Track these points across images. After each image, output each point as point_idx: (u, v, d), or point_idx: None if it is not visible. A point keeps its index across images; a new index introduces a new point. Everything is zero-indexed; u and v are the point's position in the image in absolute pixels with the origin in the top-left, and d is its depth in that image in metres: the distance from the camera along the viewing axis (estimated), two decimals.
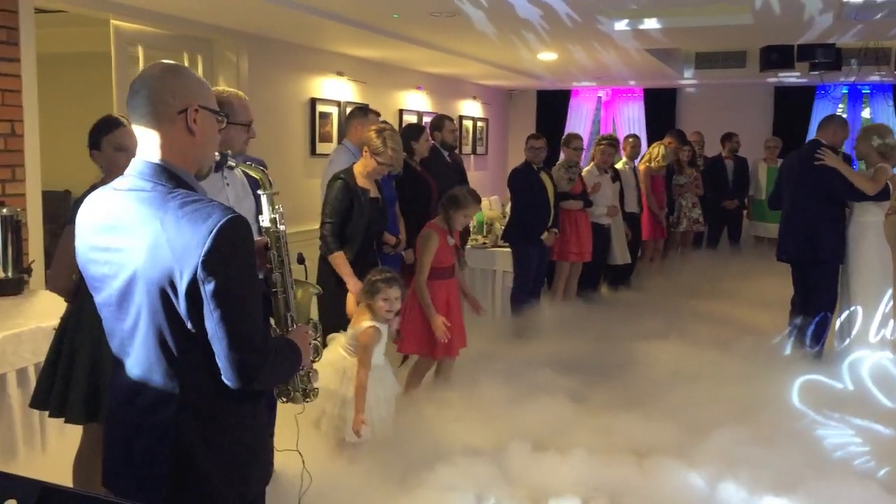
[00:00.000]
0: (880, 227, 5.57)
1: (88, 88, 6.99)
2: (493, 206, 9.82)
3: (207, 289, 1.79)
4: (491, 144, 12.64)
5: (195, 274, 1.79)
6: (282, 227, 2.25)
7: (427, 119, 10.11)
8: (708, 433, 4.24)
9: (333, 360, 3.87)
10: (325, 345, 3.11)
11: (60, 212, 4.92)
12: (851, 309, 5.42)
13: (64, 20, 6.21)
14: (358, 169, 4.59)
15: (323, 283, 4.44)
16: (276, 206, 2.26)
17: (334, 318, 4.36)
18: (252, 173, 2.35)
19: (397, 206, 5.77)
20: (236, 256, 1.82)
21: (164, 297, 1.84)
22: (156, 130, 1.92)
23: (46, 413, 3.30)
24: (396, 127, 7.79)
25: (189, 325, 1.85)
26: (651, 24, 6.87)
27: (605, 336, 6.24)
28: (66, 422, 3.14)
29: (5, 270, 4.55)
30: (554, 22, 6.54)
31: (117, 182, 1.97)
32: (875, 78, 10.82)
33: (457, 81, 11.31)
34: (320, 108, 8.07)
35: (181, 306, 1.83)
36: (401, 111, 9.70)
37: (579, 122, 12.89)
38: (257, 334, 1.88)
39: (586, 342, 6.02)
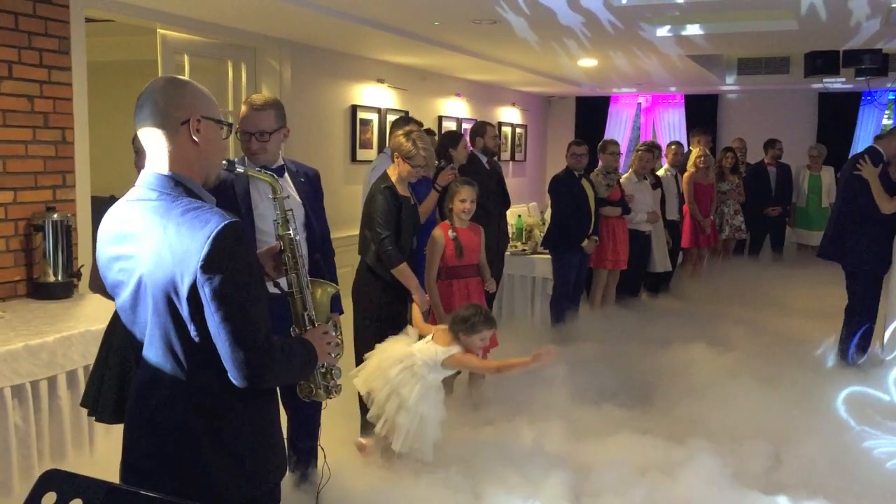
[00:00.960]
0: None
1: (135, 96, 7.14)
2: (532, 213, 9.80)
3: (207, 292, 1.86)
4: (529, 151, 12.63)
5: (195, 278, 1.86)
6: (293, 231, 2.33)
7: (466, 126, 10.15)
8: (752, 446, 4.19)
9: (401, 356, 3.96)
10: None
11: None
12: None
13: (112, 29, 6.35)
14: (393, 176, 4.58)
15: (365, 294, 4.48)
16: (288, 210, 2.34)
17: (373, 331, 4.38)
18: (262, 178, 2.42)
19: (437, 212, 5.80)
20: (234, 259, 1.88)
21: (169, 301, 1.92)
22: (161, 141, 2.00)
23: None
24: (436, 134, 7.84)
25: (192, 328, 1.92)
26: (693, 29, 6.83)
27: (645, 343, 6.18)
28: (96, 420, 3.21)
29: (56, 274, 4.67)
30: (595, 29, 6.53)
31: (129, 193, 2.06)
32: None
33: (496, 88, 11.33)
34: (361, 114, 8.13)
35: (184, 310, 1.91)
36: (440, 118, 9.74)
37: (619, 128, 12.83)
38: (259, 334, 1.93)
39: (625, 350, 5.96)
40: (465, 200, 4.79)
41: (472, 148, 6.43)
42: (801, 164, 10.24)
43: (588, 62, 8.69)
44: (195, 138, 2.01)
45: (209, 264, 1.85)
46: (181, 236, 1.88)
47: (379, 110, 8.40)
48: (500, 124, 11.40)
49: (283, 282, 2.39)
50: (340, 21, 6.13)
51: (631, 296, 7.62)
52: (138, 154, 3.21)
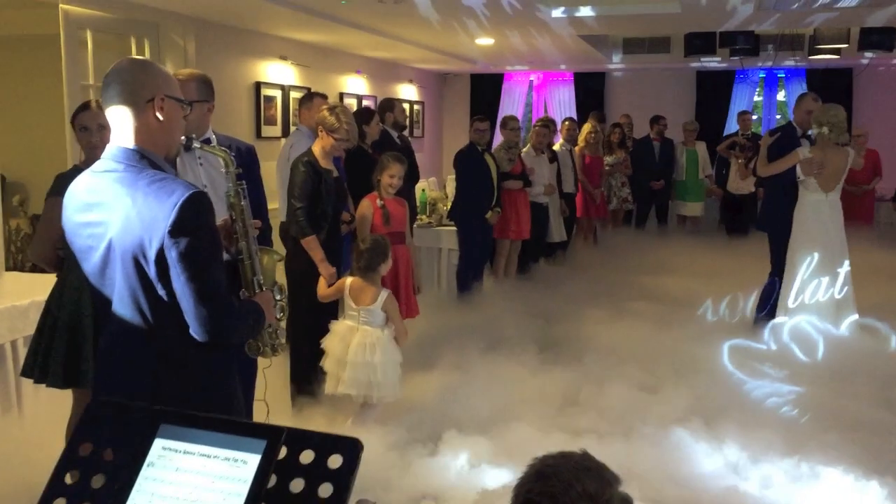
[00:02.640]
0: (816, 204, 5.96)
1: (35, 71, 6.99)
2: (432, 187, 10.09)
3: (173, 254, 2.07)
4: (427, 127, 12.89)
5: (163, 242, 2.07)
6: (244, 202, 2.54)
7: (366, 102, 10.31)
8: (655, 392, 4.64)
9: (342, 332, 4.25)
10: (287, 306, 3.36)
11: None
12: (809, 270, 5.87)
13: (11, 2, 6.19)
14: (317, 150, 4.77)
15: (292, 264, 4.65)
16: (240, 183, 2.55)
17: (304, 298, 4.57)
18: (216, 153, 2.61)
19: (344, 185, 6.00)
20: (198, 225, 2.10)
21: (137, 264, 2.12)
22: (128, 118, 2.19)
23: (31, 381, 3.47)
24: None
25: (159, 288, 2.12)
26: (586, 11, 7.22)
27: (545, 309, 6.59)
28: (47, 386, 3.31)
29: None
30: (495, 9, 6.83)
31: (96, 165, 2.23)
32: (790, 63, 11.46)
33: (394, 65, 11.52)
34: (265, 91, 8.19)
35: (151, 271, 2.10)
36: (341, 94, 9.87)
37: (512, 104, 13.24)
38: (220, 292, 2.15)
39: (530, 316, 6.35)
40: (394, 176, 5.06)
41: (383, 124, 6.64)
42: (678, 140, 10.91)
43: (485, 41, 9.00)
44: (159, 115, 2.19)
45: (176, 229, 2.05)
46: (149, 204, 2.08)
47: (282, 87, 8.47)
48: (399, 101, 11.58)
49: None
50: None
51: (531, 265, 8.04)
52: (86, 130, 3.30)
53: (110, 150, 2.20)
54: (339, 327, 4.30)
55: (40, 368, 3.29)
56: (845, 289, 5.86)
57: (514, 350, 5.31)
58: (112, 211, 2.13)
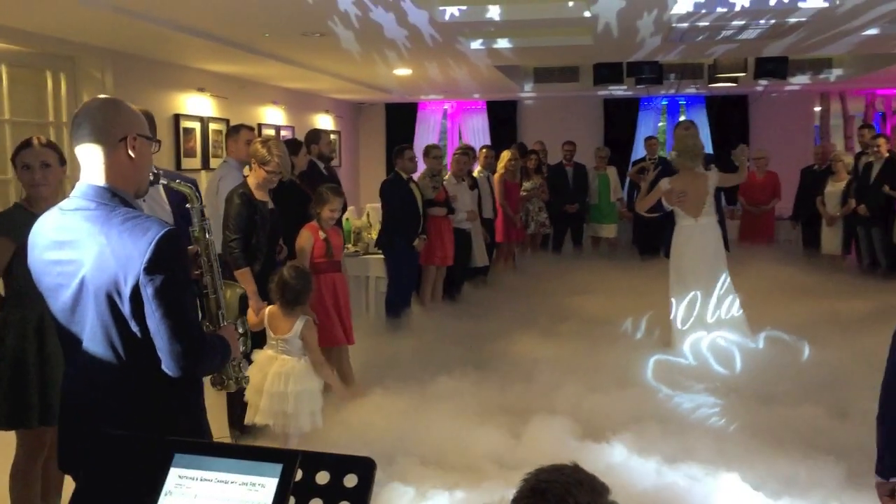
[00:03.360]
0: (687, 230, 6.25)
1: None
2: (352, 216, 10.13)
3: (149, 291, 2.10)
4: (343, 157, 12.94)
5: (138, 279, 2.09)
6: (209, 237, 2.57)
7: (284, 133, 10.32)
8: (581, 406, 4.81)
9: (262, 361, 4.25)
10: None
11: None
12: (691, 295, 6.15)
13: None
14: (251, 182, 4.81)
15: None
16: (205, 218, 2.58)
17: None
18: (182, 189, 2.64)
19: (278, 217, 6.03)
20: (173, 262, 2.14)
21: (111, 301, 2.14)
22: (99, 156, 2.21)
23: None
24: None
25: (133, 325, 2.15)
26: (503, 43, 7.47)
27: (475, 333, 6.73)
28: None
29: None
30: (417, 41, 6.99)
31: (64, 203, 2.25)
32: (691, 90, 12.05)
33: (310, 96, 11.56)
34: (184, 123, 8.12)
35: (126, 308, 2.13)
36: (259, 125, 9.84)
37: (427, 133, 13.44)
38: (194, 328, 2.20)
39: (462, 339, 6.48)
40: (335, 210, 5.16)
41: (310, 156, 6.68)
42: (591, 165, 11.30)
43: (403, 71, 9.16)
44: (132, 154, 2.22)
45: (152, 266, 2.08)
46: (124, 242, 2.10)
47: (201, 119, 8.41)
48: (326, 132, 11.63)
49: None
50: (163, 30, 6.17)
51: (455, 290, 8.18)
52: (28, 168, 3.25)
53: (80, 189, 2.21)
54: (260, 357, 4.32)
55: None
56: (732, 310, 6.15)
57: (452, 373, 5.41)
58: (84, 249, 2.14)
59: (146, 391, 2.20)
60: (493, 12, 6.13)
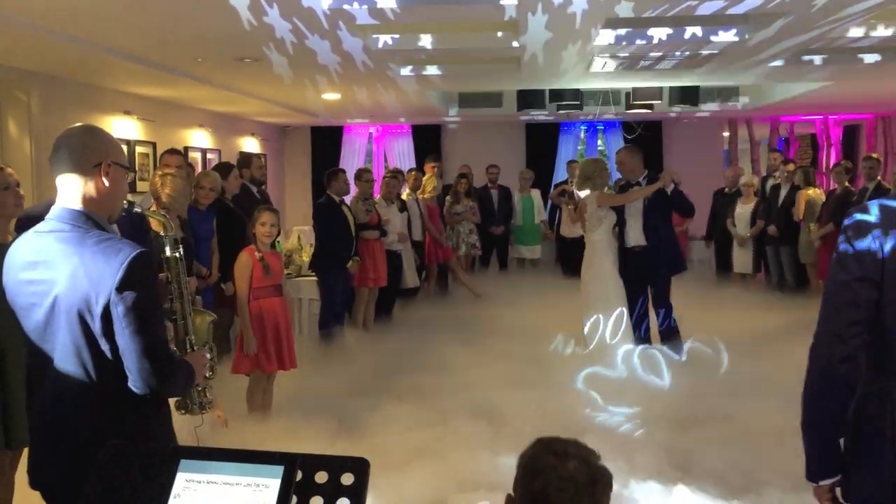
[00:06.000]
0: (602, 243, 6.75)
1: None
2: (280, 239, 10.14)
3: (120, 310, 2.17)
4: (270, 179, 12.89)
5: (109, 298, 2.17)
6: (181, 265, 2.65)
7: (210, 156, 10.29)
8: (510, 423, 4.99)
9: None
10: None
11: None
12: (618, 311, 6.47)
13: None
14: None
15: None
16: (178, 247, 2.66)
17: None
18: (155, 217, 2.72)
19: (214, 241, 6.05)
20: (144, 283, 2.22)
21: (82, 319, 2.21)
22: (75, 181, 2.29)
23: None
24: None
25: (103, 343, 2.21)
26: (432, 70, 7.68)
27: (412, 350, 6.87)
28: None
29: None
30: (349, 68, 7.13)
31: (39, 226, 2.31)
32: (609, 116, 12.52)
33: (236, 119, 11.54)
34: None
35: (96, 327, 2.20)
36: (186, 149, 9.77)
37: (353, 156, 13.54)
38: (162, 348, 2.28)
39: (399, 359, 6.61)
40: (265, 224, 5.12)
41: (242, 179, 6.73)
42: (515, 188, 11.61)
43: (332, 96, 9.27)
44: (105, 181, 2.30)
45: (122, 286, 2.16)
46: (96, 262, 2.18)
47: (128, 142, 8.32)
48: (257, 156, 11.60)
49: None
50: (90, 53, 6.15)
51: (387, 311, 8.30)
52: (7, 189, 3.29)
53: (55, 212, 2.28)
54: None
55: None
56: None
57: (392, 393, 5.52)
58: (57, 269, 2.20)
59: (114, 409, 2.26)
60: (426, 41, 6.33)
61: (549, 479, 1.66)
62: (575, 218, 10.85)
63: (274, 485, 1.44)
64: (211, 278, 6.00)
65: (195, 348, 2.63)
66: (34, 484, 2.34)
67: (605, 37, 6.22)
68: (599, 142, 14.03)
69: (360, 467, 1.47)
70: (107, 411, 2.25)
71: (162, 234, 2.63)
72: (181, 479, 1.46)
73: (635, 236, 6.66)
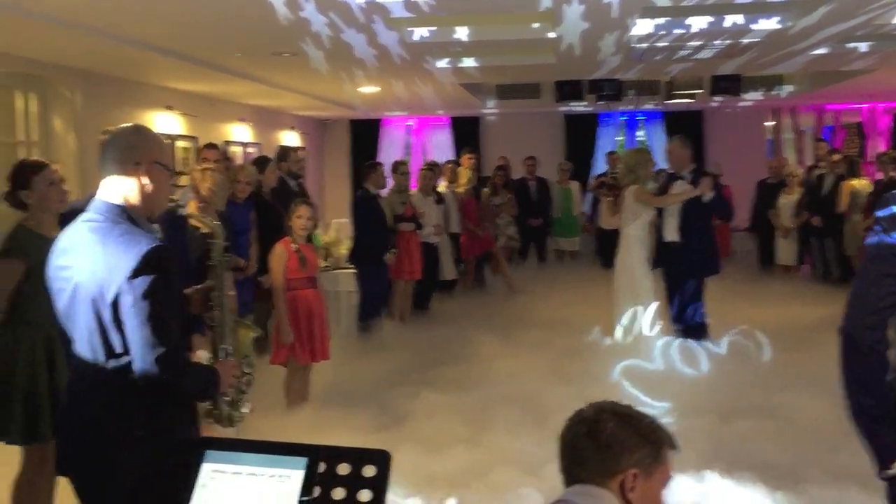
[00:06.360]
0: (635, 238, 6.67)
1: None
2: (319, 232, 10.21)
3: (129, 299, 2.20)
4: (309, 172, 13.00)
5: (121, 288, 2.21)
6: (226, 274, 2.69)
7: (251, 149, 10.40)
8: (547, 412, 4.97)
9: None
10: None
11: None
12: (652, 305, 6.43)
13: None
14: (191, 207, 4.81)
15: None
16: (226, 255, 2.70)
17: None
18: (206, 224, 2.75)
19: (252, 233, 6.12)
20: (155, 275, 2.22)
21: (96, 307, 2.25)
22: (116, 177, 2.35)
23: None
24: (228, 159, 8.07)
25: (112, 333, 2.25)
26: (469, 62, 7.67)
27: (450, 341, 6.89)
28: (7, 443, 3.28)
29: None
30: (385, 61, 7.15)
31: (82, 216, 2.37)
32: (649, 106, 12.38)
33: (276, 113, 11.66)
34: None
35: (106, 316, 2.24)
36: (227, 143, 9.91)
37: (391, 148, 13.58)
38: (169, 341, 2.24)
39: (437, 351, 6.64)
40: (301, 217, 5.19)
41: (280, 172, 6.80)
42: (554, 180, 11.56)
43: (370, 89, 9.31)
44: (145, 180, 2.34)
45: (134, 276, 2.20)
46: (116, 252, 2.23)
47: (170, 137, 8.45)
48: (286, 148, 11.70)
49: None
50: (133, 49, 6.24)
51: (425, 302, 8.32)
52: (53, 184, 3.43)
53: (94, 204, 2.34)
54: None
55: None
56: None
57: (429, 383, 5.55)
58: (82, 256, 2.27)
59: (118, 402, 2.27)
60: (461, 33, 6.32)
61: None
62: (614, 210, 10.84)
63: (297, 476, 1.46)
64: (248, 269, 6.05)
65: (229, 358, 2.65)
66: (59, 469, 2.41)
67: (643, 26, 6.14)
68: (640, 133, 13.88)
69: (381, 459, 1.48)
70: (110, 404, 2.27)
71: (210, 241, 2.65)
72: (207, 469, 1.48)
73: (671, 232, 6.57)
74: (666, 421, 4.85)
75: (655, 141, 13.03)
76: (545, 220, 11.17)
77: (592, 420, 1.80)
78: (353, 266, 7.39)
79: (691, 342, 6.24)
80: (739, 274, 9.56)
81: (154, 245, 2.24)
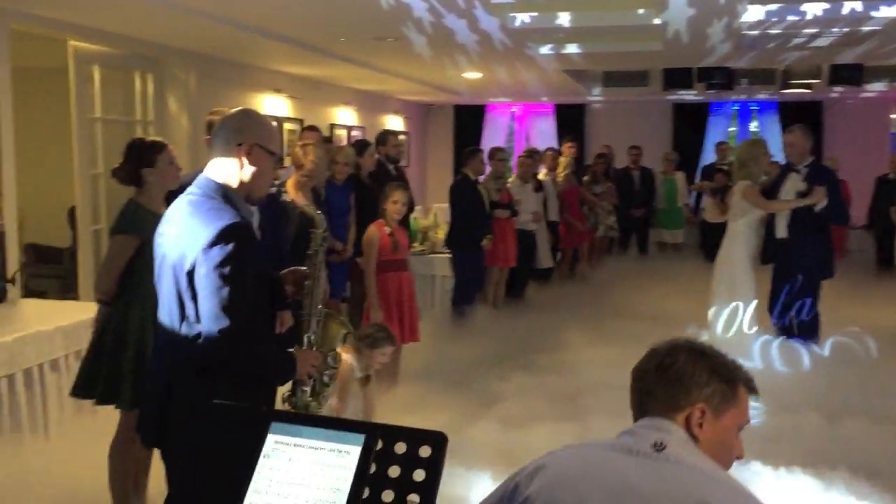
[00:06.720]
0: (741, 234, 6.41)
1: (40, 102, 7.18)
2: (419, 216, 10.32)
3: (202, 270, 2.27)
4: (412, 156, 13.16)
5: (197, 257, 2.28)
6: (322, 272, 2.73)
7: (355, 133, 10.59)
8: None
9: None
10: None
11: None
12: (752, 302, 6.21)
13: (22, 35, 6.39)
14: (289, 184, 4.89)
15: None
16: (322, 245, 2.73)
17: None
18: (310, 213, 2.80)
19: (351, 216, 6.24)
20: (230, 249, 2.26)
21: (175, 274, 2.34)
22: (220, 157, 2.43)
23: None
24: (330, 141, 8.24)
25: (187, 303, 2.32)
26: (572, 48, 7.57)
27: (535, 334, 6.85)
28: (116, 407, 3.48)
29: None
30: (487, 46, 7.14)
31: (187, 190, 2.47)
32: (763, 96, 11.91)
33: (381, 97, 11.82)
34: None
35: (183, 282, 2.32)
36: (332, 126, 10.13)
37: (495, 135, 13.57)
38: (235, 316, 2.26)
39: (530, 338, 6.63)
40: (397, 202, 5.28)
41: (378, 156, 6.90)
42: (659, 170, 11.29)
43: (473, 74, 9.32)
44: (246, 160, 2.40)
45: (209, 248, 2.27)
46: (199, 225, 2.31)
47: (277, 119, 8.71)
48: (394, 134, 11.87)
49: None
50: (244, 34, 6.45)
51: (520, 290, 8.30)
52: (172, 164, 3.63)
53: (198, 179, 2.44)
54: None
55: (107, 391, 3.45)
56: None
57: (520, 368, 5.57)
58: (173, 226, 2.38)
59: (186, 371, 2.34)
60: (563, 19, 6.24)
61: None
62: (721, 208, 10.48)
63: (355, 451, 1.50)
64: (345, 253, 6.16)
65: (314, 349, 2.70)
66: (141, 437, 2.53)
67: (754, 13, 5.91)
68: (753, 124, 13.37)
69: (438, 441, 1.50)
70: (180, 373, 2.35)
71: (314, 229, 2.71)
72: (271, 440, 1.53)
73: (783, 229, 6.30)
74: (766, 418, 4.79)
75: (770, 132, 12.53)
76: (648, 210, 10.94)
77: (665, 354, 1.78)
78: (449, 251, 7.44)
79: (794, 341, 6.00)
80: (855, 273, 9.10)
81: (233, 221, 2.30)
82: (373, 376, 4.46)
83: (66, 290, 7.13)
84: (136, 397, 3.32)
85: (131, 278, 3.47)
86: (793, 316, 6.26)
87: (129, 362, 3.39)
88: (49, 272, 7.69)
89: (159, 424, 2.38)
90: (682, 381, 1.73)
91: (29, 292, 6.36)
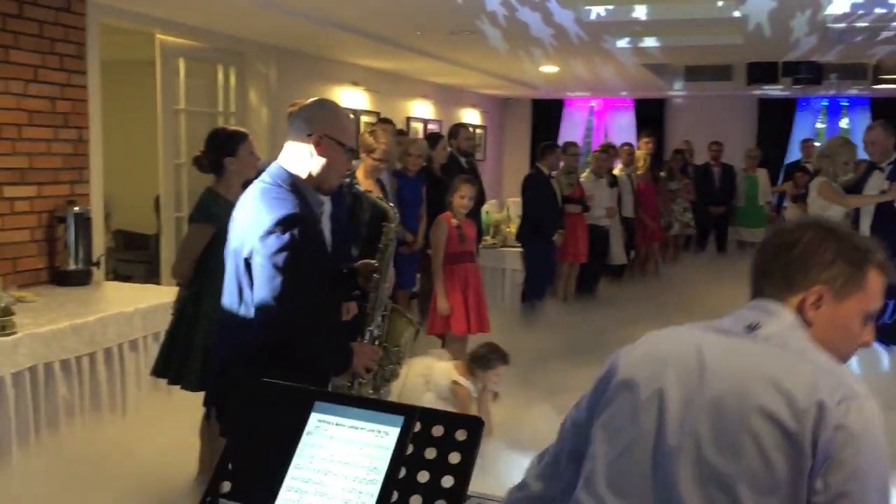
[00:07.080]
0: None
1: (126, 93, 7.47)
2: (493, 209, 10.34)
3: (258, 258, 2.33)
4: (488, 151, 13.18)
5: (254, 244, 2.33)
6: (390, 261, 2.74)
7: (432, 126, 10.67)
8: None
9: (420, 369, 4.50)
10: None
11: None
12: None
13: (111, 29, 6.67)
14: (359, 172, 4.90)
15: None
16: (393, 240, 2.77)
17: None
18: (382, 206, 2.86)
19: (422, 208, 6.30)
20: (286, 238, 2.30)
21: (237, 259, 2.41)
22: (293, 145, 2.48)
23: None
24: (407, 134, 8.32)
25: (245, 288, 2.39)
26: (650, 42, 7.46)
27: (606, 326, 6.78)
28: (182, 388, 3.62)
29: (76, 263, 5.03)
30: (563, 40, 7.10)
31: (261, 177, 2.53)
32: (853, 91, 11.47)
33: (458, 91, 11.87)
34: None
35: (241, 267, 2.38)
36: (408, 119, 10.23)
37: (572, 130, 13.46)
38: (287, 302, 2.31)
39: (589, 334, 6.58)
40: (464, 196, 5.32)
41: (450, 149, 6.95)
42: (740, 166, 11.00)
43: (549, 68, 9.27)
44: (315, 150, 2.45)
45: (265, 237, 2.32)
46: (261, 212, 2.36)
47: (354, 111, 8.85)
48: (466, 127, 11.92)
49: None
50: (323, 27, 6.58)
51: (591, 286, 8.24)
52: (252, 154, 3.72)
53: (272, 166, 2.51)
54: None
55: (176, 372, 3.59)
56: None
57: (584, 363, 5.51)
58: (242, 211, 2.45)
59: (241, 355, 2.42)
60: (640, 12, 6.16)
61: None
62: (802, 208, 10.16)
63: (394, 433, 1.54)
64: (415, 245, 6.21)
65: (375, 343, 2.72)
66: (206, 416, 2.64)
67: (839, 5, 5.72)
68: (843, 120, 12.90)
69: (474, 426, 1.53)
70: (234, 356, 2.43)
71: (386, 223, 2.75)
72: (314, 418, 1.59)
73: (865, 228, 6.08)
74: None
75: (861, 130, 12.04)
76: (728, 208, 10.68)
77: (790, 231, 1.59)
78: (520, 245, 7.44)
79: (875, 343, 5.79)
80: None
81: (292, 211, 2.32)
82: (492, 393, 4.60)
83: (152, 275, 7.42)
84: (204, 379, 3.44)
85: (206, 265, 3.55)
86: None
87: (199, 345, 3.51)
88: (136, 258, 8.01)
89: (217, 403, 2.49)
90: (802, 261, 1.54)
91: (117, 276, 6.64)
